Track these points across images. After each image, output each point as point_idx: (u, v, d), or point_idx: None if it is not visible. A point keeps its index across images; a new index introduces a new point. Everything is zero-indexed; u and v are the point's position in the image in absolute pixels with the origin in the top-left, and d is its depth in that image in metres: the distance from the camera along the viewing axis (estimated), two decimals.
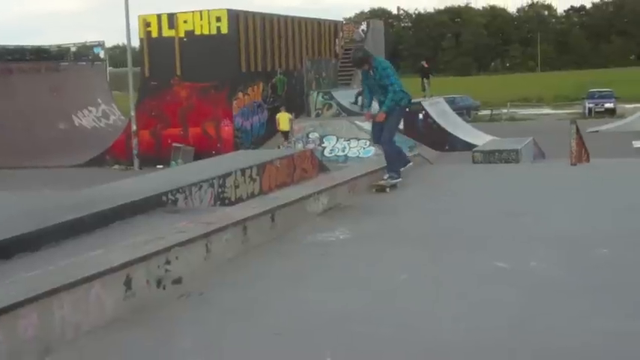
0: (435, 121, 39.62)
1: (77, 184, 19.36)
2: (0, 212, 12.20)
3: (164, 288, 6.96)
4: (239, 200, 13.81)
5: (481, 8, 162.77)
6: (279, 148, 36.92)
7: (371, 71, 12.34)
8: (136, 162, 38.30)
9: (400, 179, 12.42)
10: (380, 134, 12.59)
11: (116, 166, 38.55)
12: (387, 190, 12.15)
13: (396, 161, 12.51)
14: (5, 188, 19.11)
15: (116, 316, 6.32)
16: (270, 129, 39.15)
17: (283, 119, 38.53)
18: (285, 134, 38.10)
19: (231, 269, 7.86)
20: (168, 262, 7.05)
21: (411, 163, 12.90)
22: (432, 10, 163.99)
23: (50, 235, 10.61)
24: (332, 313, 6.54)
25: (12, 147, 40.78)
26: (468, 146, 32.94)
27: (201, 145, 37.03)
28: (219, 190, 13.65)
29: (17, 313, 5.52)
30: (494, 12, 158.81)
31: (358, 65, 12.75)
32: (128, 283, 6.55)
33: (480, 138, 37.59)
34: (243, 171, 14.84)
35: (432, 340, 5.80)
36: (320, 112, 40.37)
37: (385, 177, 12.44)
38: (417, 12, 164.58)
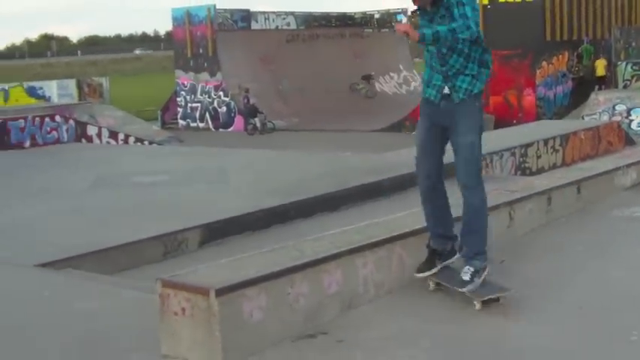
0: None
1: (377, 148, 19.70)
2: (303, 173, 12.68)
3: None
4: (540, 170, 13.48)
5: None
6: (597, 90, 36.24)
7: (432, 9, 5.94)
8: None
9: (487, 265, 5.98)
10: (439, 158, 6.07)
11: (415, 132, 38.95)
12: (477, 305, 5.79)
13: (484, 226, 6.01)
14: (308, 150, 19.79)
15: (417, 278, 6.31)
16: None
17: (600, 65, 38.46)
18: (601, 80, 38.12)
19: (533, 239, 7.65)
20: None
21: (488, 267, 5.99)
22: None
23: (350, 196, 10.89)
24: (637, 291, 6.22)
25: (314, 110, 42.19)
26: None
27: (502, 114, 36.41)
28: (521, 159, 13.40)
29: (322, 268, 5.64)
30: None
31: None
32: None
33: None
34: (546, 141, 14.48)
35: None
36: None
37: (467, 276, 5.86)
38: None
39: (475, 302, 5.74)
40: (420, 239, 6.46)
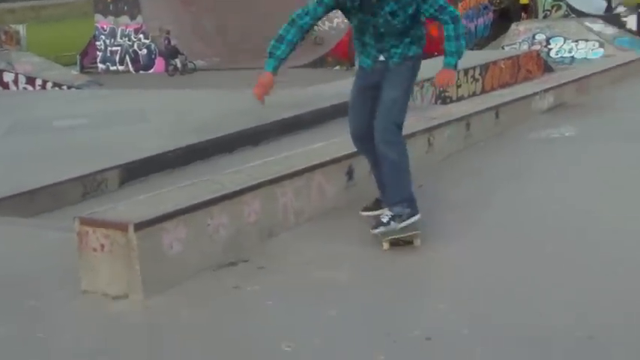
0: None
1: (299, 83, 19.63)
2: (224, 110, 12.61)
3: None
4: (460, 99, 13.60)
5: None
6: (520, 20, 36.71)
7: None
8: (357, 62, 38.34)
9: (418, 215, 5.64)
10: (367, 116, 5.78)
11: (337, 67, 38.84)
12: (385, 245, 5.58)
13: (404, 178, 5.70)
14: (229, 88, 19.63)
15: (337, 205, 6.38)
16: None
17: None
18: (525, 7, 38.97)
19: (452, 164, 7.74)
20: None
21: (418, 216, 5.62)
22: None
23: (270, 131, 10.90)
24: (555, 207, 6.36)
25: (235, 50, 41.83)
26: None
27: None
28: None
29: (241, 199, 5.62)
30: None
31: None
32: (350, 174, 6.56)
33: None
34: (466, 71, 14.60)
35: None
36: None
37: (385, 218, 5.60)
38: None
39: (383, 243, 5.54)
40: (340, 166, 6.49)
